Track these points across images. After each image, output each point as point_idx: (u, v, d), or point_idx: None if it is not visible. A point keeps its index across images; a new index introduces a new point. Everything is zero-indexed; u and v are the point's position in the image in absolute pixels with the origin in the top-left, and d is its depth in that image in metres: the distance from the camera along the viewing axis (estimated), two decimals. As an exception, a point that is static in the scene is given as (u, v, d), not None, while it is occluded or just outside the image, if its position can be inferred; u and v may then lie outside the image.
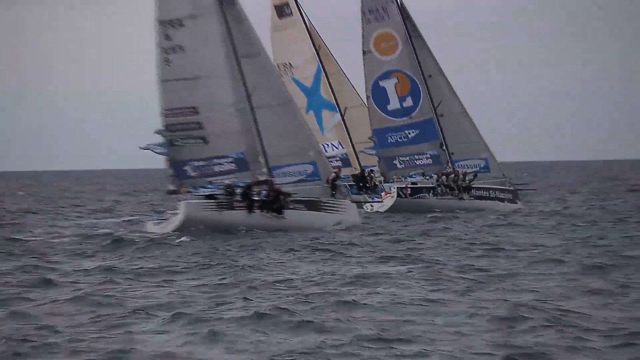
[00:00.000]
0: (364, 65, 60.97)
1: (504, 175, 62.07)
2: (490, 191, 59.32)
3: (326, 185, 47.50)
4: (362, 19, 61.57)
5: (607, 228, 43.17)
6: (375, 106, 59.79)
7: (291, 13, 56.45)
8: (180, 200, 45.16)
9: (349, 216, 46.80)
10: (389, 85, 59.67)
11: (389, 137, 58.87)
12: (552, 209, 60.44)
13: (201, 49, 45.41)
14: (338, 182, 48.72)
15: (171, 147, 44.74)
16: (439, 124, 60.24)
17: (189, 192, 45.52)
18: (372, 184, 57.74)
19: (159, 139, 45.23)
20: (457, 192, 57.87)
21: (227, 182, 44.91)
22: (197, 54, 45.15)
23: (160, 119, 44.98)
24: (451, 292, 25.41)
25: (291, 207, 44.92)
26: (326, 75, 60.39)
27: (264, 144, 45.58)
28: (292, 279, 28.48)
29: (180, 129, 44.99)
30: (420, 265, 31.34)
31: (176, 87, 44.95)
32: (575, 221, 48.35)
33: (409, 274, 30.22)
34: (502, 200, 59.61)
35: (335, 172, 49.00)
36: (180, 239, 40.75)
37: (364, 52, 60.53)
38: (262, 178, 45.42)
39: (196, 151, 45.38)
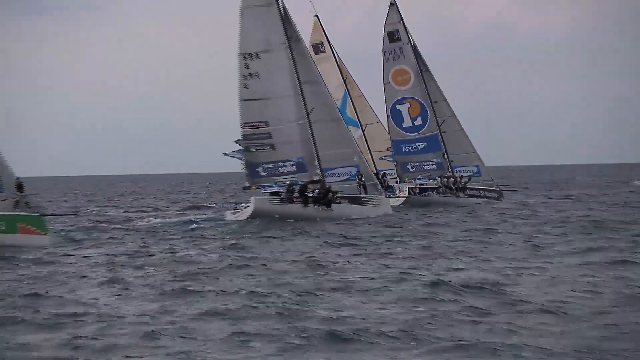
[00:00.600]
0: (385, 93, 65.32)
1: (491, 178, 67.27)
2: (481, 191, 64.61)
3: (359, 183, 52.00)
4: (382, 58, 65.80)
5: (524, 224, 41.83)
6: (393, 124, 64.36)
7: (325, 50, 59.19)
8: (251, 196, 49.67)
9: (384, 208, 51.11)
10: (404, 108, 64.33)
11: (404, 147, 63.31)
12: (522, 206, 61.66)
13: (272, 76, 49.44)
14: (370, 182, 52.75)
15: (247, 153, 49.35)
16: (442, 138, 64.57)
17: (258, 189, 49.92)
18: (385, 185, 58.60)
19: (237, 147, 50.53)
20: (455, 191, 62.47)
21: (288, 181, 49.42)
22: (269, 80, 49.08)
23: (239, 130, 49.35)
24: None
25: (338, 201, 48.98)
26: (351, 99, 63.54)
27: (318, 151, 49.68)
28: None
29: (254, 139, 49.24)
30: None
31: (252, 105, 49.04)
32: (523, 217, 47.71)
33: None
34: (489, 198, 64.91)
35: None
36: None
37: (384, 83, 65.05)
38: (316, 178, 49.38)
39: (266, 156, 49.34)
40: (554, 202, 73.54)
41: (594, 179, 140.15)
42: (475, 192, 64.34)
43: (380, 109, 67.21)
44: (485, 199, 64.57)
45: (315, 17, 67.89)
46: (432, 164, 64.42)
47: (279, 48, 49.30)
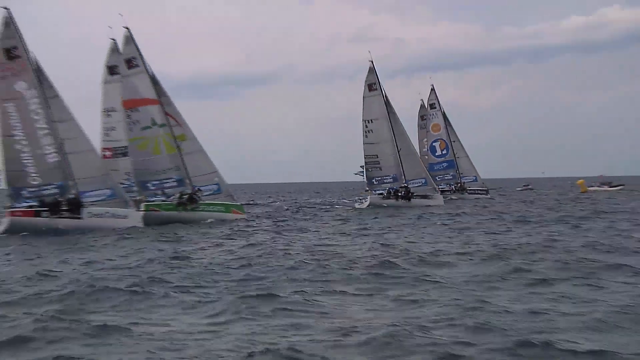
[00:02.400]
0: (426, 136, 71.34)
1: (483, 183, 72.04)
2: (476, 191, 69.82)
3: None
4: (422, 118, 71.48)
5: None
6: (431, 153, 70.18)
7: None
8: (368, 195, 55.33)
9: (440, 202, 55.90)
10: (436, 145, 71.26)
11: (434, 167, 68.08)
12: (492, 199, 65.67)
13: (379, 131, 55.34)
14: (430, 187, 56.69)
15: (367, 172, 55.41)
16: (456, 161, 70.74)
17: (371, 191, 55.75)
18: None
19: (360, 169, 56.73)
20: (461, 191, 68.49)
21: (388, 187, 55.10)
22: (378, 133, 55.33)
23: (363, 160, 55.93)
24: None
25: (415, 197, 54.70)
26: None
27: (405, 170, 55.30)
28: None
29: (371, 164, 55.57)
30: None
31: (370, 146, 55.50)
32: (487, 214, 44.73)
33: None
34: (480, 193, 69.29)
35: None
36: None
37: (426, 132, 70.93)
38: (404, 185, 54.81)
39: (377, 173, 55.52)
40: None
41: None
42: (472, 192, 69.80)
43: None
44: (478, 195, 68.89)
45: (422, 100, 72.65)
46: (450, 176, 70.38)
47: (384, 117, 55.37)
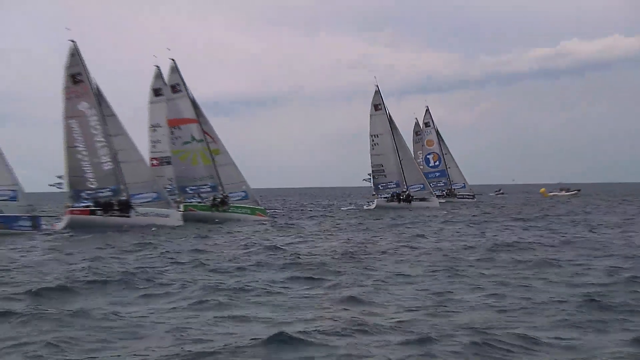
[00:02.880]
0: (421, 149, 70.59)
1: (471, 189, 72.07)
2: (464, 196, 69.21)
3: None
4: (417, 134, 70.77)
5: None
6: (425, 164, 69.27)
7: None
8: (375, 198, 54.87)
9: (436, 204, 55.56)
10: (430, 157, 70.60)
11: (428, 175, 66.27)
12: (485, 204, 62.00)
13: (384, 144, 55.17)
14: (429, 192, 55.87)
15: (373, 178, 55.03)
16: (447, 171, 70.48)
17: (377, 195, 54.95)
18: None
19: (368, 176, 55.72)
20: (452, 196, 67.75)
21: (392, 192, 54.78)
22: (383, 145, 55.05)
23: (370, 170, 55.20)
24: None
25: (414, 200, 54.29)
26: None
27: (406, 176, 55.03)
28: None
29: (377, 172, 55.27)
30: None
31: (376, 157, 55.34)
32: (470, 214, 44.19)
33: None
34: (468, 198, 68.75)
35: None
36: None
37: (421, 145, 69.95)
38: (405, 190, 54.64)
39: (382, 180, 54.91)
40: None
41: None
42: (460, 196, 69.19)
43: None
44: (465, 199, 68.74)
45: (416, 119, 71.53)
46: (442, 184, 69.91)
47: (387, 132, 55.39)
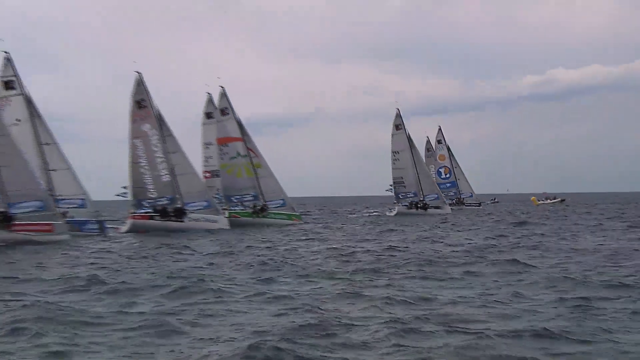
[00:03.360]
0: (433, 163, 68.21)
1: (477, 198, 71.03)
2: (471, 204, 67.77)
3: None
4: (428, 150, 68.79)
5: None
6: (437, 176, 66.75)
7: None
8: (396, 206, 54.07)
9: (448, 211, 54.67)
10: (442, 170, 68.80)
11: (441, 186, 63.86)
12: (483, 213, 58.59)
13: (404, 159, 54.63)
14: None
15: (395, 189, 54.31)
16: (457, 182, 69.00)
17: (398, 203, 54.25)
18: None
19: (390, 187, 54.59)
20: (461, 205, 65.87)
21: (411, 200, 54.02)
22: (403, 160, 54.42)
23: (391, 181, 54.36)
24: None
25: (430, 208, 53.56)
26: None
27: (422, 187, 54.10)
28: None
29: (397, 183, 54.71)
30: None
31: (397, 170, 54.65)
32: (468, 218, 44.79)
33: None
34: (474, 206, 67.39)
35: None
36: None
37: (434, 160, 68.49)
38: (421, 199, 54.01)
39: (402, 190, 54.42)
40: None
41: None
42: (469, 204, 67.95)
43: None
44: (472, 207, 67.31)
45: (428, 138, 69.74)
46: (452, 194, 67.65)
47: (406, 150, 54.90)
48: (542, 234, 27.57)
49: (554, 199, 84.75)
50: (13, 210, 25.66)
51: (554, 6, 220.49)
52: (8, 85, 30.72)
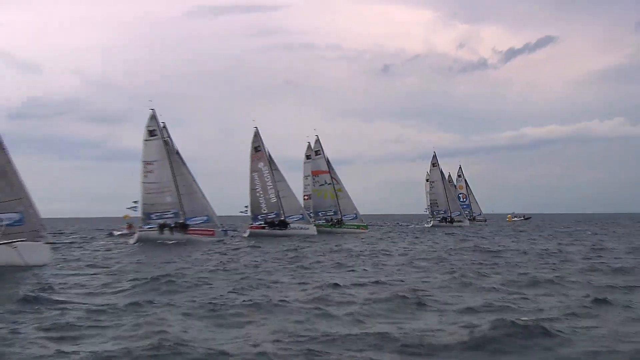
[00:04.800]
0: (454, 191, 58.59)
1: (483, 217, 62.79)
2: (479, 220, 59.15)
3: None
4: (450, 181, 57.18)
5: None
6: (456, 199, 54.46)
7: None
8: (432, 220, 49.17)
9: (467, 224, 49.74)
10: (460, 196, 58.84)
11: (460, 204, 54.78)
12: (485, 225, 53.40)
13: (437, 188, 49.44)
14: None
15: (430, 208, 49.57)
16: (471, 205, 61.41)
17: (433, 218, 48.84)
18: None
19: (427, 207, 50.20)
20: (473, 220, 56.66)
21: (442, 216, 48.62)
22: (436, 188, 49.21)
23: (427, 202, 49.72)
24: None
25: (455, 222, 47.77)
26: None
27: (450, 207, 49.37)
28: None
29: (433, 204, 49.28)
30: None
31: (432, 195, 49.46)
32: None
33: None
34: (481, 221, 58.97)
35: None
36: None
37: (455, 189, 58.82)
38: (450, 215, 48.93)
39: (435, 209, 49.59)
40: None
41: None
42: (477, 220, 59.57)
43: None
44: (480, 222, 58.65)
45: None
46: (467, 212, 57.54)
47: (439, 180, 49.74)
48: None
49: (523, 217, 77.44)
50: (189, 222, 26.90)
51: (524, 86, 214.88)
52: (151, 133, 28.16)
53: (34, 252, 13.79)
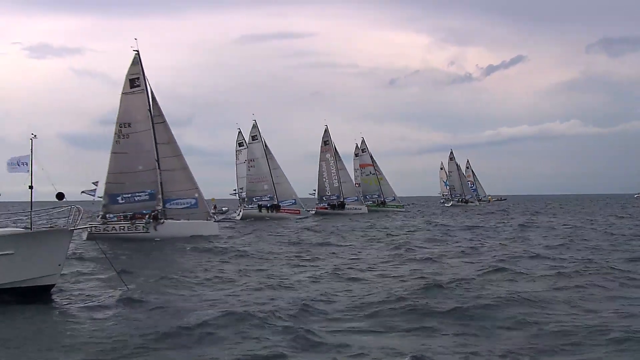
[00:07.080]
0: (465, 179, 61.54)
1: (487, 197, 69.24)
2: (483, 201, 64.11)
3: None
4: (460, 171, 60.16)
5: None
6: (467, 185, 59.67)
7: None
8: (451, 201, 53.19)
9: (476, 203, 54.91)
10: (469, 183, 61.15)
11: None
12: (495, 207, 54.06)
13: (454, 177, 56.01)
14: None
15: (449, 193, 55.22)
16: (477, 190, 66.00)
17: (451, 199, 53.25)
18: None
19: (445, 193, 56.49)
20: (480, 201, 60.99)
21: (459, 198, 54.30)
22: (453, 178, 56.11)
23: (447, 190, 55.91)
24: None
25: (468, 202, 53.78)
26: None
27: (464, 191, 56.64)
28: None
29: (451, 190, 55.41)
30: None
31: (451, 181, 55.70)
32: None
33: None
34: (484, 202, 63.16)
35: None
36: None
37: (465, 177, 61.23)
38: (464, 198, 54.84)
39: (453, 193, 55.25)
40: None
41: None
42: (483, 201, 62.39)
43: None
44: (484, 202, 63.25)
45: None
46: (476, 195, 62.03)
47: (455, 172, 56.62)
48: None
49: (499, 198, 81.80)
50: (281, 204, 33.36)
51: (500, 95, 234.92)
52: (254, 138, 34.67)
53: (208, 228, 18.33)
